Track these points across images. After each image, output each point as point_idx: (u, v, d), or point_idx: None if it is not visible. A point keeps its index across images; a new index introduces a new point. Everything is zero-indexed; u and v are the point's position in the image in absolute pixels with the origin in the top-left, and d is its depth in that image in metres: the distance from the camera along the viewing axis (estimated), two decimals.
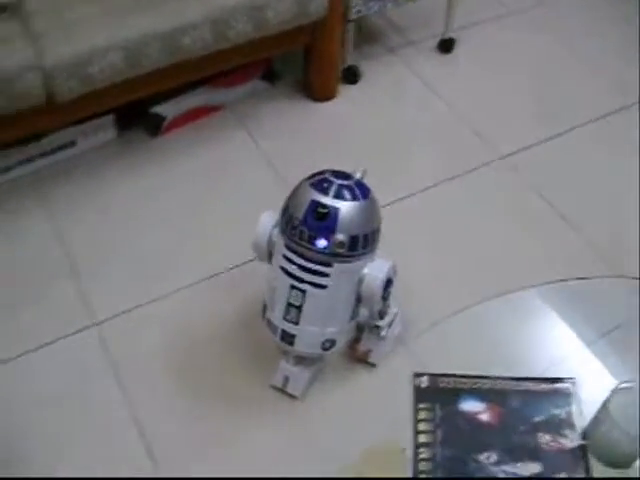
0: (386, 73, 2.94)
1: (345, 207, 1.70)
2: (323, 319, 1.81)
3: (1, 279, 2.26)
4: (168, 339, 2.12)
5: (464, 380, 1.36)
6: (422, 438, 1.27)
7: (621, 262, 2.25)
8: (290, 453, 1.85)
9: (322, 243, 1.70)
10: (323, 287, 1.76)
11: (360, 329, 1.97)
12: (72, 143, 2.61)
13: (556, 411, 1.33)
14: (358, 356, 1.99)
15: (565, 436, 1.30)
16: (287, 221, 1.76)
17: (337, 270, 1.74)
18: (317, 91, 2.80)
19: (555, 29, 3.19)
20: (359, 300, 1.82)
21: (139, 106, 2.60)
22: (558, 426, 1.31)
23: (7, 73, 2.14)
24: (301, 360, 1.92)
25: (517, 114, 2.79)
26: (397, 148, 2.67)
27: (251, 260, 2.14)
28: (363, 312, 1.89)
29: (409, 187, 2.52)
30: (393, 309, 1.97)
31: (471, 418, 1.30)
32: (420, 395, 1.33)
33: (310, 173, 1.82)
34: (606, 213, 2.44)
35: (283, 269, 1.79)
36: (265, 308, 1.90)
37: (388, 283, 1.80)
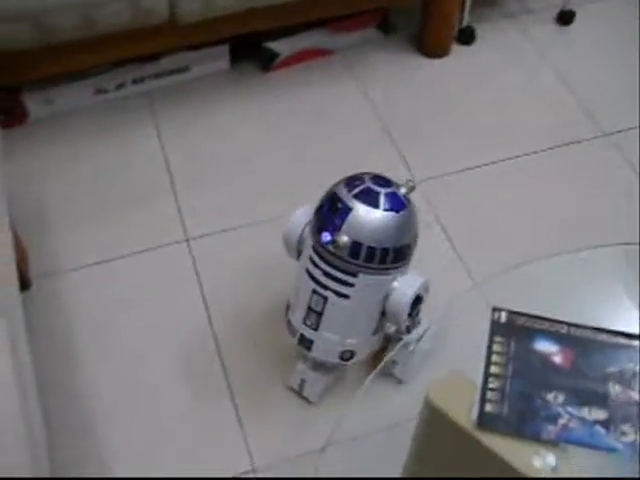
0: (501, 38, 2.93)
1: (361, 211, 1.61)
2: (344, 329, 1.74)
3: (106, 187, 2.35)
4: (255, 264, 2.17)
5: (541, 321, 1.37)
6: (494, 369, 1.30)
7: None
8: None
9: (326, 236, 1.62)
10: (346, 297, 1.68)
11: (387, 340, 1.86)
12: (186, 68, 2.68)
13: (630, 365, 1.33)
14: (382, 368, 1.76)
15: (635, 390, 1.30)
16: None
17: (362, 281, 1.65)
18: (430, 47, 2.82)
19: None
20: (384, 314, 1.73)
21: (254, 40, 2.66)
22: (630, 379, 1.32)
23: None
24: (319, 366, 1.86)
25: (628, 94, 2.75)
26: (501, 112, 2.67)
27: None
28: (389, 325, 1.81)
29: (505, 152, 2.52)
30: (424, 325, 1.77)
31: (544, 358, 1.32)
32: (496, 329, 1.35)
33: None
34: None
35: (307, 271, 1.71)
36: (288, 307, 1.84)
37: (417, 300, 1.69)
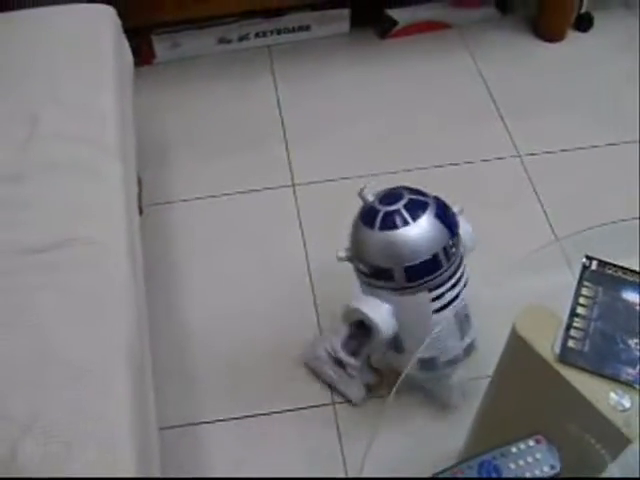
0: (620, 27, 2.93)
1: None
2: None
3: (223, 128, 2.48)
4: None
5: (631, 273, 1.43)
6: (580, 310, 1.36)
7: None
8: None
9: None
10: None
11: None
12: (307, 27, 2.78)
13: None
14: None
15: None
16: None
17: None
18: (546, 31, 2.85)
19: None
20: None
21: (375, 6, 2.74)
22: None
23: None
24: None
25: None
26: (610, 100, 2.68)
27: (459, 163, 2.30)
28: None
29: (610, 137, 2.55)
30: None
31: (630, 306, 1.38)
32: (586, 275, 1.41)
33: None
34: None
35: None
36: None
37: None
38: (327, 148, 2.44)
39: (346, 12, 2.78)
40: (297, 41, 2.77)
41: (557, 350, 1.29)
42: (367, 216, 1.59)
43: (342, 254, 1.63)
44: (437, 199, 1.62)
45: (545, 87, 2.70)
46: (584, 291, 1.39)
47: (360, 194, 1.63)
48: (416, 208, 1.57)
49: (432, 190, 2.11)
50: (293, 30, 2.78)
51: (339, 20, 2.80)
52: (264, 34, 2.76)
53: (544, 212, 2.30)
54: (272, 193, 2.32)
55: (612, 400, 1.26)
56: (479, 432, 1.53)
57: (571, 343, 1.31)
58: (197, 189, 2.31)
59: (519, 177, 2.39)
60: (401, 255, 1.55)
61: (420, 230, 1.55)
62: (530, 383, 1.38)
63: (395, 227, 1.54)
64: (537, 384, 1.35)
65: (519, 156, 2.45)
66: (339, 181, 2.35)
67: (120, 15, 2.00)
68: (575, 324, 1.34)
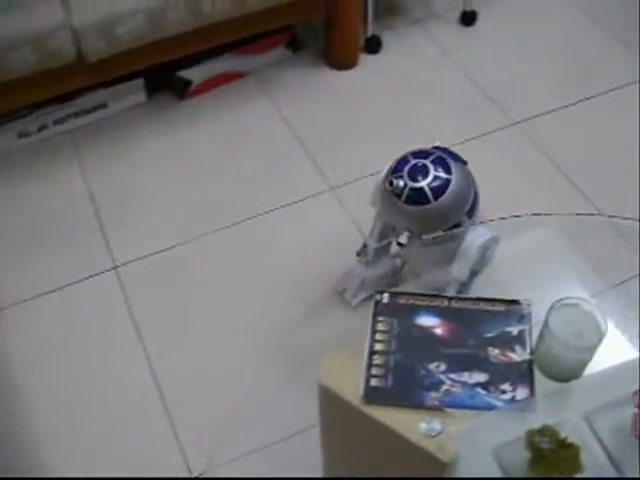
0: (407, 44, 3.03)
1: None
2: None
3: (33, 224, 2.42)
4: (185, 284, 2.27)
5: (423, 298, 1.46)
6: (378, 346, 1.38)
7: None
8: None
9: None
10: None
11: None
12: (104, 105, 2.76)
13: (508, 329, 1.42)
14: None
15: (514, 351, 1.39)
16: None
17: None
18: (338, 60, 2.92)
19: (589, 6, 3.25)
20: None
21: (167, 70, 2.74)
22: (509, 342, 1.40)
23: (40, 32, 2.30)
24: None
25: (532, 85, 2.86)
26: (412, 114, 2.77)
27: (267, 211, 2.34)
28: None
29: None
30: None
31: (425, 331, 1.41)
32: (380, 309, 1.43)
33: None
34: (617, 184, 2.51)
35: None
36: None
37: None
38: (144, 222, 2.43)
39: (140, 82, 2.77)
40: (97, 120, 2.75)
41: (361, 392, 1.30)
42: (418, 197, 1.74)
43: (403, 240, 1.83)
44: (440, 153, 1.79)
45: (347, 114, 2.75)
46: (379, 326, 1.41)
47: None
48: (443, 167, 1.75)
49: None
50: (91, 110, 2.75)
51: (135, 91, 2.79)
52: (62, 120, 2.72)
53: (361, 235, 2.33)
54: (94, 280, 2.27)
55: (422, 429, 1.28)
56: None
57: (374, 382, 1.33)
58: (13, 293, 2.24)
59: (336, 210, 2.42)
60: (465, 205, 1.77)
61: (458, 179, 1.75)
62: (347, 430, 1.39)
63: (446, 188, 1.73)
64: (352, 429, 1.37)
65: (331, 189, 2.49)
66: (163, 253, 2.35)
67: None
68: (375, 362, 1.36)
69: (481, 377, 1.36)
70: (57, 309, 2.21)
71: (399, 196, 1.73)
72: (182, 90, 2.79)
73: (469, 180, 1.79)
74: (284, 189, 2.47)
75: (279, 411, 1.60)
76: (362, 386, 1.32)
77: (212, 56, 2.80)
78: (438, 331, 1.41)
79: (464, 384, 1.34)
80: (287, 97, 2.80)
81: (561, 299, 1.35)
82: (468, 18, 3.12)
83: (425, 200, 1.72)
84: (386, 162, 2.45)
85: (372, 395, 1.31)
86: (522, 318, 1.43)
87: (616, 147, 2.61)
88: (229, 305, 2.19)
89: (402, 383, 1.34)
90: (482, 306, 1.45)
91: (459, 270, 1.80)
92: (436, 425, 1.29)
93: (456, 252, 1.79)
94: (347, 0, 2.71)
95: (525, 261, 1.70)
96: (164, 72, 2.75)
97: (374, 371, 1.35)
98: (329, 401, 1.35)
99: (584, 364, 1.36)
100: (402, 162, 1.77)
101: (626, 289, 1.64)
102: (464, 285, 1.83)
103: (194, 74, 2.79)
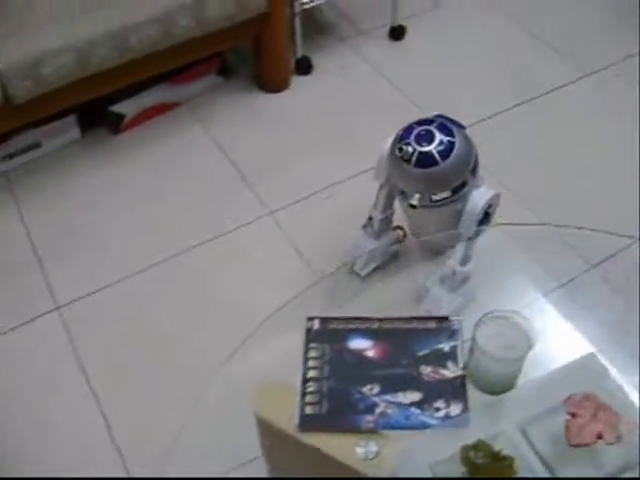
0: (338, 63, 3.06)
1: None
2: None
3: None
4: (129, 320, 2.26)
5: (354, 321, 1.47)
6: (311, 373, 1.39)
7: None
8: None
9: None
10: None
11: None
12: (38, 144, 2.74)
13: (440, 346, 1.44)
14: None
15: (447, 368, 1.41)
16: None
17: None
18: (269, 83, 2.93)
19: (509, 8, 3.33)
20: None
21: (100, 105, 2.74)
22: (441, 359, 1.42)
23: None
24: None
25: (462, 96, 2.90)
26: (347, 131, 2.80)
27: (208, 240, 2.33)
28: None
29: (357, 166, 2.63)
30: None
31: (358, 354, 1.42)
32: (311, 336, 1.45)
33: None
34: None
35: None
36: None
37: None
38: (85, 260, 2.41)
39: (73, 119, 2.76)
40: (32, 160, 2.73)
41: (296, 421, 1.31)
42: (427, 160, 1.86)
43: (415, 202, 1.94)
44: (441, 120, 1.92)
45: (282, 137, 2.77)
46: (312, 353, 1.42)
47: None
48: (447, 132, 1.89)
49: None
50: (25, 150, 2.73)
51: (68, 128, 2.78)
52: None
53: (307, 265, 2.35)
54: (37, 324, 2.26)
55: (359, 452, 1.29)
56: None
57: (308, 409, 1.34)
58: None
59: (275, 235, 2.43)
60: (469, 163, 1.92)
61: (461, 141, 1.89)
62: (288, 458, 1.40)
63: (451, 150, 1.86)
64: (292, 458, 1.38)
65: (271, 213, 2.50)
66: (106, 290, 2.34)
67: None
68: (309, 389, 1.37)
69: (415, 396, 1.37)
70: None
71: (409, 161, 1.87)
72: (116, 124, 2.78)
73: (469, 142, 1.93)
74: (223, 217, 2.47)
75: (227, 442, 1.59)
76: (297, 414, 1.33)
77: (144, 88, 2.80)
78: (370, 353, 1.43)
79: (399, 405, 1.35)
80: (221, 124, 2.81)
81: (488, 312, 1.37)
82: (397, 33, 3.16)
83: (434, 162, 1.85)
84: (324, 181, 2.50)
85: (307, 423, 1.32)
86: (453, 334, 1.45)
87: (552, 152, 2.65)
88: (175, 338, 2.19)
89: (337, 408, 1.35)
90: (413, 325, 1.47)
91: (467, 227, 1.96)
92: (372, 447, 1.30)
93: (462, 212, 1.95)
94: (274, 23, 2.72)
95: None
96: (97, 107, 2.74)
97: (308, 398, 1.36)
98: (267, 431, 1.36)
99: (515, 375, 1.38)
100: (408, 130, 1.91)
101: (572, 293, 1.67)
102: (470, 241, 2.00)
103: (127, 107, 2.78)
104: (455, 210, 1.96)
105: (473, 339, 1.34)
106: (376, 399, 1.35)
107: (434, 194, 1.92)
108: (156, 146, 2.75)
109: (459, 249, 2.01)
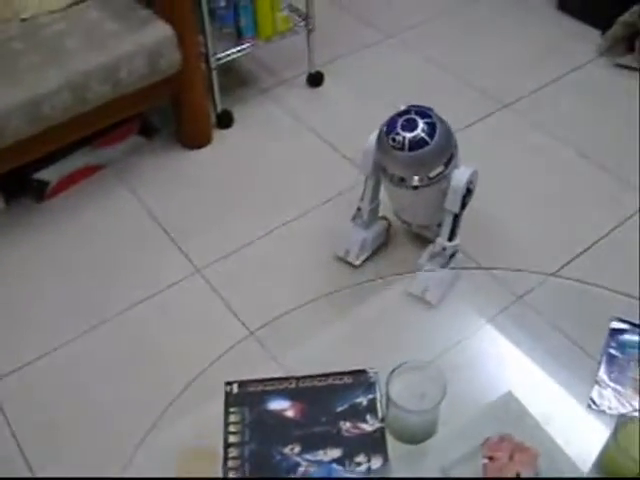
0: (259, 114, 3.10)
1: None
2: None
3: None
4: (61, 389, 2.24)
5: (271, 382, 1.49)
6: (232, 439, 1.40)
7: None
8: None
9: None
10: None
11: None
12: None
13: (358, 400, 1.45)
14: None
15: (366, 421, 1.42)
16: None
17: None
18: (192, 140, 2.95)
19: (425, 48, 3.41)
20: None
21: (23, 173, 2.73)
22: (360, 413, 1.44)
23: None
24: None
25: None
26: (272, 182, 2.84)
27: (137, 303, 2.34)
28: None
29: (285, 215, 2.69)
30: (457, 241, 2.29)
31: (277, 416, 1.43)
32: (230, 401, 1.46)
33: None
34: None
35: None
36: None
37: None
38: (14, 334, 2.39)
39: None
40: None
41: None
42: (418, 143, 2.10)
43: (416, 183, 2.16)
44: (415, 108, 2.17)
45: (207, 193, 2.79)
46: (232, 418, 1.44)
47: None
48: (424, 115, 2.14)
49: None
50: None
51: None
52: None
53: (238, 319, 2.36)
54: None
55: None
56: None
57: (231, 474, 1.34)
58: None
59: (205, 292, 2.44)
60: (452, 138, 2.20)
61: (438, 120, 2.15)
62: None
63: (435, 129, 2.12)
64: None
65: (198, 271, 2.50)
66: (36, 362, 2.32)
67: None
68: (231, 454, 1.38)
69: (336, 453, 1.39)
70: None
71: (402, 149, 2.10)
72: (40, 192, 2.78)
73: (443, 119, 2.16)
74: (152, 278, 2.48)
75: None
76: None
77: (67, 153, 2.80)
78: (289, 413, 1.44)
79: (320, 463, 1.37)
80: (147, 184, 2.82)
81: (402, 364, 1.39)
82: (315, 80, 3.21)
83: (424, 143, 2.09)
84: (251, 235, 2.52)
85: None
86: (370, 387, 1.48)
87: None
88: (105, 404, 2.18)
89: (259, 472, 1.36)
90: (330, 381, 1.49)
91: (453, 203, 2.21)
92: None
93: (446, 191, 2.20)
94: (190, 80, 2.75)
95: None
96: (20, 176, 2.73)
97: (231, 464, 1.37)
98: None
99: (433, 423, 1.41)
100: (392, 122, 2.13)
101: (490, 333, 1.70)
102: (457, 217, 2.26)
103: (51, 174, 2.78)
104: (441, 190, 2.21)
105: (387, 392, 1.35)
106: (298, 459, 1.36)
107: (431, 171, 2.15)
108: (82, 211, 2.75)
109: (446, 225, 2.26)
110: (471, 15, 3.54)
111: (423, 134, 2.09)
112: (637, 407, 1.45)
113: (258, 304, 2.36)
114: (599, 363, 1.54)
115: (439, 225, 2.32)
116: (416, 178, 2.16)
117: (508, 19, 3.24)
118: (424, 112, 2.12)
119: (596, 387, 1.49)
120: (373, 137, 2.23)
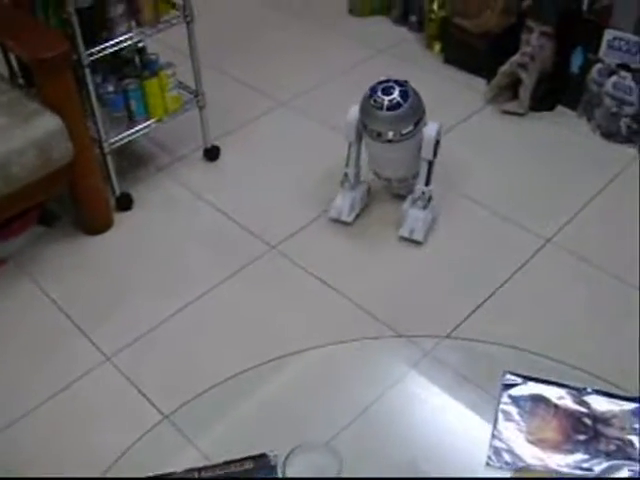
0: (159, 193, 3.12)
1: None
2: None
3: None
4: None
5: (176, 475, 1.50)
6: None
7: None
8: None
9: None
10: None
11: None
12: None
13: None
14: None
15: None
16: None
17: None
18: (92, 225, 2.96)
19: (318, 112, 3.51)
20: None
21: None
22: None
23: None
24: None
25: (283, 204, 3.02)
26: (176, 261, 2.86)
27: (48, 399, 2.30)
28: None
29: (190, 294, 2.71)
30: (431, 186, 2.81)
31: None
32: None
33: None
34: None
35: None
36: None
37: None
38: None
39: None
40: None
41: None
42: (393, 105, 2.64)
43: (390, 137, 2.68)
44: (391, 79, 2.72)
45: (111, 278, 2.80)
46: None
47: None
48: (400, 84, 2.69)
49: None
50: None
51: None
52: None
53: (154, 406, 2.35)
54: None
55: None
56: None
57: None
58: None
59: (117, 379, 2.43)
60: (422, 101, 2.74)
61: (410, 88, 2.70)
62: None
63: (407, 94, 2.68)
64: None
65: (108, 359, 2.50)
66: None
67: None
68: None
69: None
70: None
71: (381, 108, 2.62)
72: None
73: (417, 91, 2.70)
74: (61, 371, 2.46)
75: None
76: None
77: None
78: None
79: None
80: (50, 275, 2.80)
81: (296, 447, 1.42)
82: (212, 154, 3.25)
83: (399, 105, 2.62)
84: (157, 317, 2.53)
85: None
86: (272, 469, 1.49)
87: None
88: None
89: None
90: (232, 469, 1.50)
91: (427, 151, 2.74)
92: None
93: (417, 147, 2.74)
94: (84, 168, 2.76)
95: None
96: None
97: None
98: None
99: None
100: (374, 89, 2.65)
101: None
102: (431, 164, 2.79)
103: None
104: (414, 144, 2.72)
105: (283, 473, 1.38)
106: None
107: (403, 129, 2.64)
108: None
109: (422, 172, 2.79)
110: (362, 75, 3.62)
111: (399, 98, 2.61)
112: (530, 462, 1.50)
113: (170, 386, 2.36)
114: (495, 420, 1.59)
115: (414, 177, 2.82)
116: (390, 133, 2.65)
117: (398, 76, 3.34)
118: (400, 82, 2.65)
119: (493, 443, 1.54)
120: (354, 109, 2.74)
